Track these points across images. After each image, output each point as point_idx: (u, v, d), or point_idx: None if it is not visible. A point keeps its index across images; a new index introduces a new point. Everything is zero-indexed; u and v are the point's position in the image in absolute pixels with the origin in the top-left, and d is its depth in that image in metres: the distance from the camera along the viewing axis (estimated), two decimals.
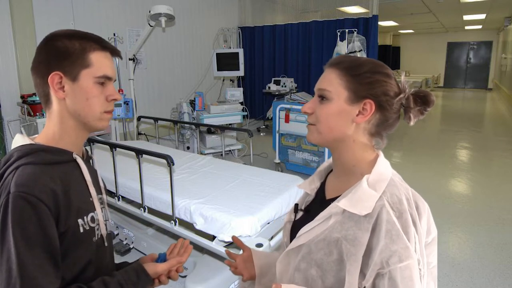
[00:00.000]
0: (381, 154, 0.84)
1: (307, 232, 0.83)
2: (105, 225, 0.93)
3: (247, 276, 1.06)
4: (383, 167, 0.81)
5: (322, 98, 0.83)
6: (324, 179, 0.95)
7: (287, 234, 0.97)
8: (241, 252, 1.12)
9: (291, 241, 0.90)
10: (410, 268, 0.71)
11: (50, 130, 0.87)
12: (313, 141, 0.86)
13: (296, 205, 0.98)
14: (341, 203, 0.78)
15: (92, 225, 0.88)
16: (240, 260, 1.08)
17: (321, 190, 0.93)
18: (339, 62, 0.83)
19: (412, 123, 0.82)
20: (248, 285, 1.11)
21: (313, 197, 0.95)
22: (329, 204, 0.82)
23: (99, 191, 0.96)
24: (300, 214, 0.96)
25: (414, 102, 0.80)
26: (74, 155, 0.88)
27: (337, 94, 0.81)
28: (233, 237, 1.15)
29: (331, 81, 0.82)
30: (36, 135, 0.89)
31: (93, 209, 0.90)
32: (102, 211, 0.93)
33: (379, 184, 0.77)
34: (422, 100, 0.80)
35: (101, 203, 0.95)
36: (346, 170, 0.85)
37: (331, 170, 0.94)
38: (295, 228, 0.93)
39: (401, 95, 0.80)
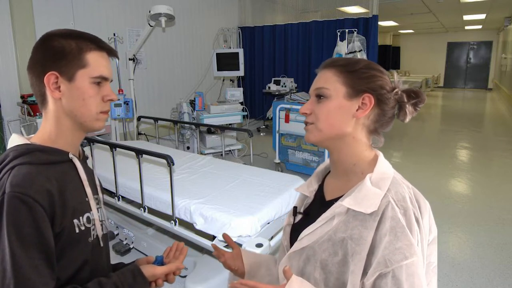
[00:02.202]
0: (381, 154, 0.84)
1: (309, 234, 0.82)
2: (101, 225, 0.93)
3: (237, 271, 1.07)
4: (385, 166, 0.81)
5: (320, 97, 0.83)
6: (322, 182, 0.95)
7: (287, 238, 0.96)
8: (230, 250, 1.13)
9: (291, 245, 0.89)
10: (415, 265, 0.70)
11: (46, 130, 0.87)
12: (312, 140, 0.85)
13: (295, 208, 0.97)
14: (346, 202, 0.77)
15: (88, 225, 0.87)
16: (229, 256, 1.09)
17: (320, 192, 0.93)
18: (333, 62, 0.85)
19: (407, 119, 0.83)
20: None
21: (312, 199, 0.94)
22: (330, 205, 0.81)
23: (95, 191, 0.96)
24: (299, 217, 0.95)
25: (408, 96, 0.82)
26: (70, 155, 0.88)
27: (335, 90, 0.81)
28: (224, 235, 1.15)
29: (328, 79, 0.83)
30: (32, 135, 0.89)
31: (89, 209, 0.89)
32: (98, 211, 0.92)
33: (383, 182, 0.77)
34: (415, 94, 0.82)
35: (97, 203, 0.95)
36: (346, 170, 0.84)
37: (328, 173, 0.94)
38: (295, 231, 0.92)
39: (396, 89, 0.82)
